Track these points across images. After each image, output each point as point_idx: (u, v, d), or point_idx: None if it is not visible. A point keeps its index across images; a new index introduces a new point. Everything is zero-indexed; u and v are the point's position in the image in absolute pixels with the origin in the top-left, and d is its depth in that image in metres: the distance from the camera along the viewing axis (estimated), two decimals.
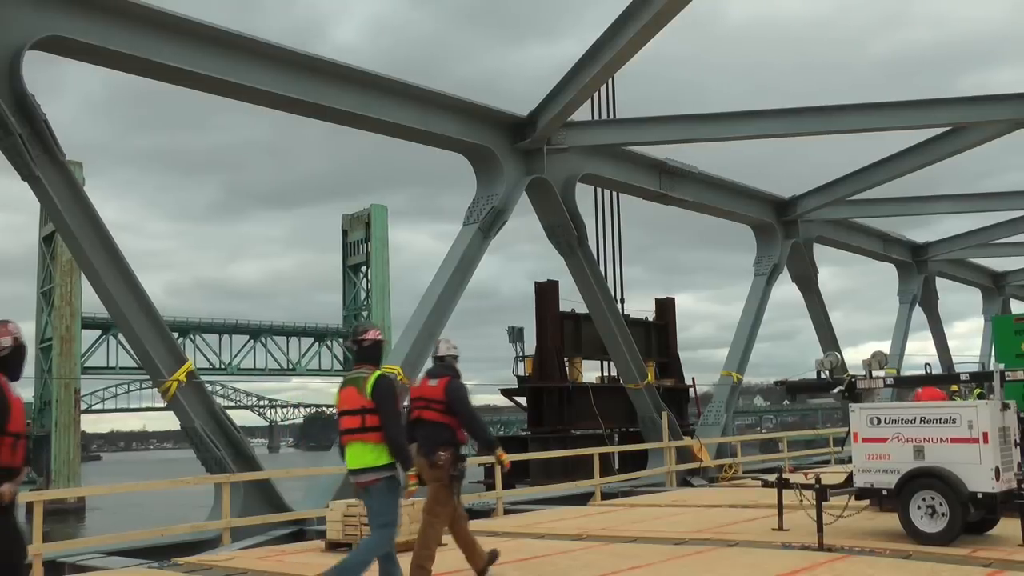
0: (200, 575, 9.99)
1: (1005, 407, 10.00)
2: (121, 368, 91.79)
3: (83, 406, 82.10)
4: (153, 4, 13.78)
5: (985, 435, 9.50)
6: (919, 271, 33.46)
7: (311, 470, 18.45)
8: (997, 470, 9.44)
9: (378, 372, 7.36)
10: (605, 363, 27.17)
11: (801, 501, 10.48)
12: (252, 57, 14.98)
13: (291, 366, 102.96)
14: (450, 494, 8.12)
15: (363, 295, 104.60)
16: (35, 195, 13.16)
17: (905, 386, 14.13)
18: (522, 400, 26.73)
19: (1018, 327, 18.79)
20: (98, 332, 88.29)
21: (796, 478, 11.14)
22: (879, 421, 10.20)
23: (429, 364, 9.01)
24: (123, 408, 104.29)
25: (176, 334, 13.50)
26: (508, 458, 8.97)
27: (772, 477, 11.81)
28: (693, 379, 30.10)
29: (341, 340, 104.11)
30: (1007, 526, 9.82)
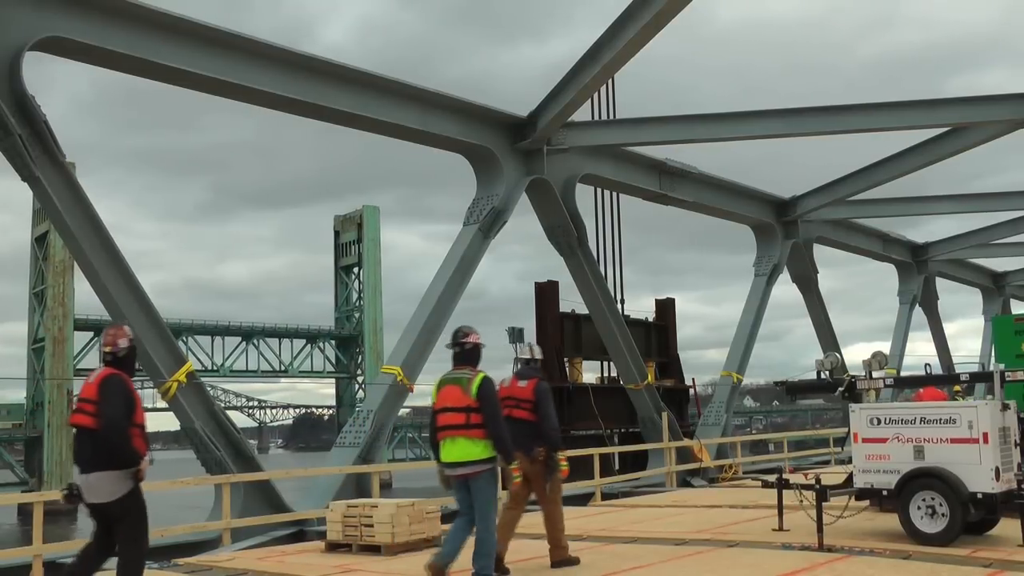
0: (200, 575, 10.01)
1: (1005, 407, 10.00)
2: None
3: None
4: (152, 4, 13.78)
5: (985, 435, 9.50)
6: (919, 271, 33.46)
7: (311, 471, 18.45)
8: (997, 470, 9.44)
9: (482, 374, 8.04)
10: (605, 363, 27.16)
11: (801, 501, 10.48)
12: (250, 57, 14.98)
13: (283, 368, 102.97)
14: (544, 482, 8.99)
15: (355, 296, 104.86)
16: (35, 196, 13.17)
17: (905, 386, 14.13)
18: None
19: (1018, 327, 18.81)
20: (90, 334, 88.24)
21: (796, 478, 11.15)
22: (879, 421, 10.20)
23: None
24: None
25: None
26: (566, 464, 9.41)
27: (772, 478, 11.82)
28: (693, 380, 30.11)
29: (333, 342, 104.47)
30: (1007, 526, 9.82)
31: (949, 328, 35.88)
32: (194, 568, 10.33)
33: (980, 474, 9.43)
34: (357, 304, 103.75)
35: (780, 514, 11.19)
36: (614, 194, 27.11)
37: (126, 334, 7.11)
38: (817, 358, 12.29)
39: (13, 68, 12.50)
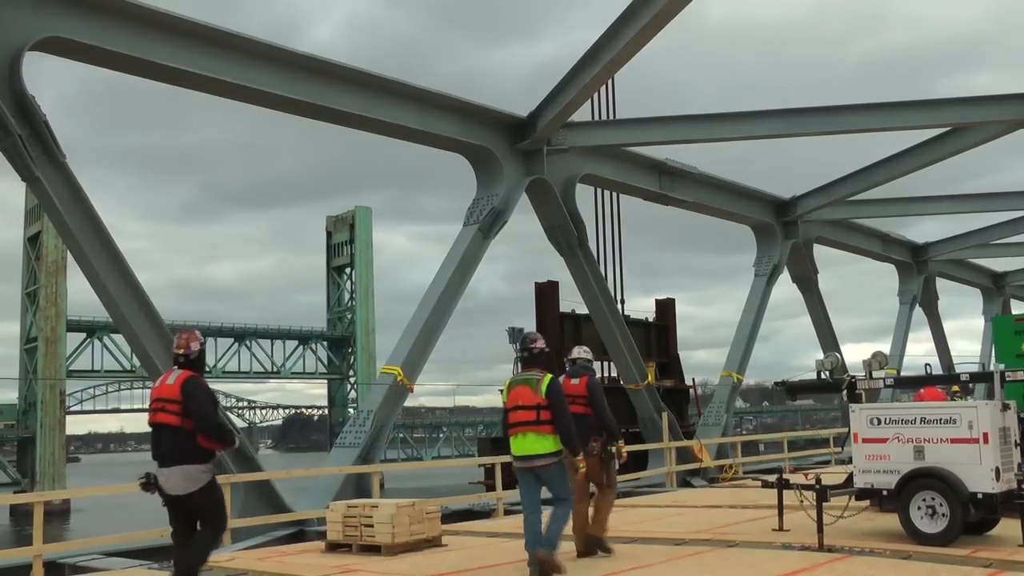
0: (200, 575, 9.99)
1: (1005, 407, 10.00)
2: (106, 371, 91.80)
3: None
4: (151, 4, 13.78)
5: (985, 435, 9.49)
6: (919, 271, 33.47)
7: (311, 471, 18.46)
8: (997, 470, 9.43)
9: (550, 375, 8.75)
10: (605, 363, 27.15)
11: (801, 502, 10.48)
12: (250, 57, 14.99)
13: (275, 369, 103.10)
14: (601, 471, 9.70)
15: (347, 296, 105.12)
16: (35, 196, 13.16)
17: (905, 386, 14.12)
18: None
19: (1018, 327, 18.84)
20: (83, 336, 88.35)
21: (796, 479, 11.14)
22: (879, 421, 10.19)
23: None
24: (101, 410, 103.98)
25: None
26: (626, 450, 10.26)
27: (772, 478, 11.81)
28: (693, 380, 30.12)
29: (325, 343, 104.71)
30: (1007, 526, 9.81)
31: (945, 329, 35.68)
32: None
33: (980, 474, 9.42)
34: (349, 305, 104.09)
35: (780, 514, 11.19)
36: (614, 194, 27.12)
37: (197, 338, 7.87)
38: (817, 358, 12.30)
39: (13, 68, 12.50)
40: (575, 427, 8.79)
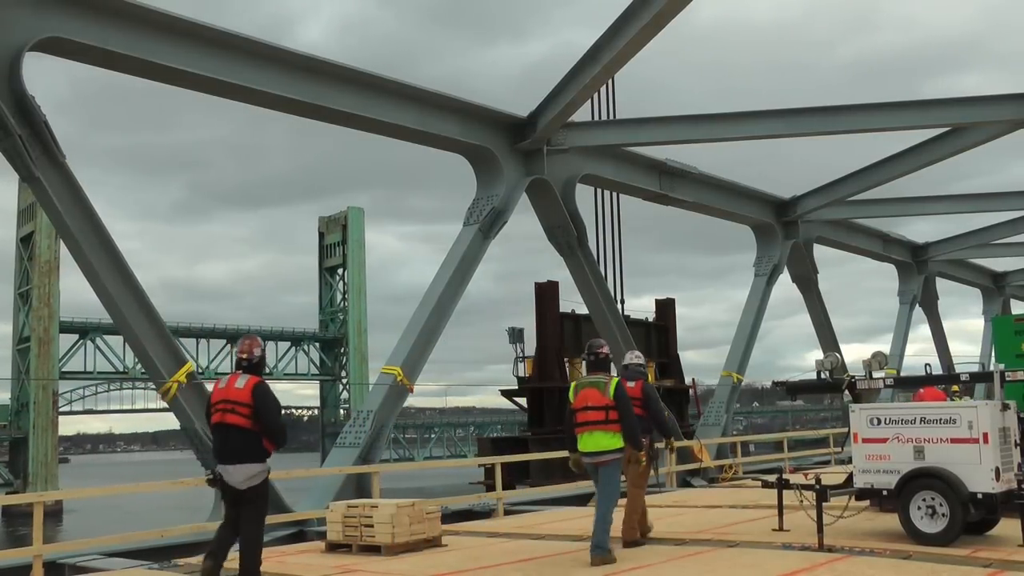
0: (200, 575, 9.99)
1: (1005, 407, 9.99)
2: (99, 373, 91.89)
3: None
4: (151, 5, 13.78)
5: (985, 435, 9.49)
6: (919, 271, 33.46)
7: (312, 471, 18.45)
8: (997, 470, 9.43)
9: (616, 378, 9.66)
10: None
11: (801, 502, 10.48)
12: (249, 57, 14.98)
13: (268, 371, 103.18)
14: (648, 469, 10.66)
15: (339, 297, 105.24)
16: (35, 196, 13.15)
17: (905, 386, 14.12)
18: (522, 401, 26.72)
19: (1018, 327, 18.82)
20: (75, 337, 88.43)
21: (796, 479, 11.14)
22: (879, 421, 10.19)
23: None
24: (90, 410, 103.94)
25: None
26: (678, 444, 11.48)
27: (772, 478, 11.81)
28: (693, 380, 30.13)
29: (318, 344, 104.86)
30: (1007, 526, 9.81)
31: (923, 331, 35.54)
32: (194, 568, 10.31)
33: (980, 474, 9.42)
34: (341, 305, 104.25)
35: (780, 514, 11.19)
36: (614, 194, 27.13)
37: (259, 343, 8.48)
38: (817, 358, 12.31)
39: (13, 68, 12.51)
40: None
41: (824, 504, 9.97)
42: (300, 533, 14.34)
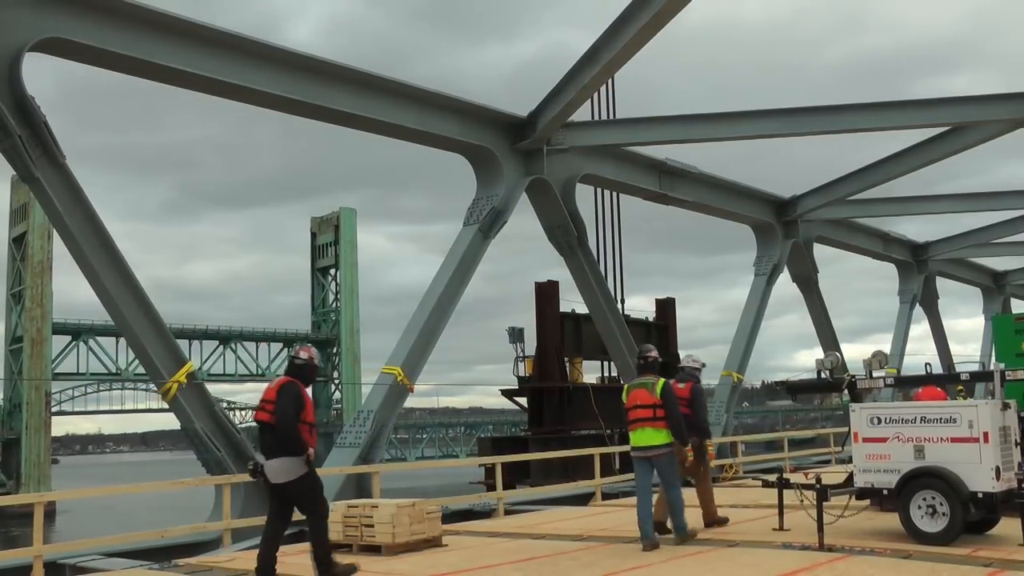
0: (200, 575, 10.00)
1: (1005, 407, 9.99)
2: (92, 374, 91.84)
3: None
4: (150, 5, 13.78)
5: (985, 435, 9.48)
6: (919, 271, 33.46)
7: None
8: (998, 469, 9.42)
9: (663, 380, 10.48)
10: (605, 363, 27.15)
11: (802, 501, 10.47)
12: (249, 57, 14.99)
13: (260, 372, 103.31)
14: (698, 463, 11.80)
15: (332, 298, 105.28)
16: (35, 196, 13.15)
17: (905, 386, 14.11)
18: (523, 400, 26.72)
19: (1018, 326, 18.80)
20: (68, 338, 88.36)
21: (797, 478, 11.14)
22: (879, 421, 10.19)
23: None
24: (85, 411, 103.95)
25: None
26: (713, 449, 12.28)
27: (773, 477, 11.81)
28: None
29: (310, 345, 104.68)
30: (1007, 526, 9.80)
31: (915, 331, 35.44)
32: (194, 568, 10.33)
33: (980, 473, 9.41)
34: (333, 306, 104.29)
35: (780, 514, 11.19)
36: (614, 194, 27.12)
37: (307, 350, 9.03)
38: (817, 357, 12.32)
39: (13, 69, 12.51)
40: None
41: (824, 503, 9.96)
42: (300, 533, 14.30)
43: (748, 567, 8.91)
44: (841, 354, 15.02)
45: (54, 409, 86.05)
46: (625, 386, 10.95)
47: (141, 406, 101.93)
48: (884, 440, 10.08)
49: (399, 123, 17.15)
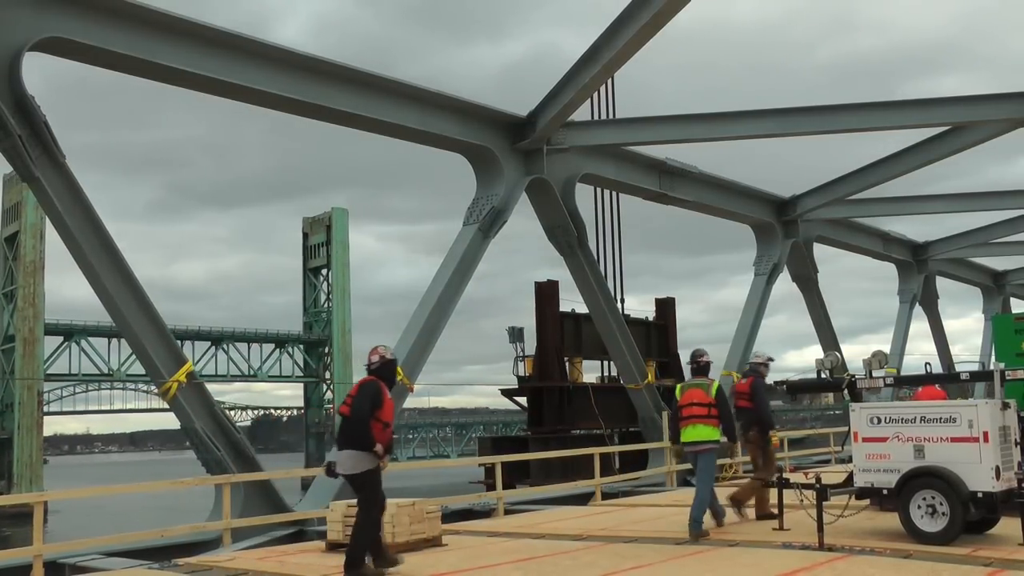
0: (200, 575, 10.01)
1: (1005, 406, 9.99)
2: (84, 375, 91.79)
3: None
4: (150, 4, 13.78)
5: (985, 434, 9.49)
6: (919, 270, 33.47)
7: (312, 470, 18.43)
8: (997, 469, 9.43)
9: (716, 381, 11.39)
10: (605, 363, 27.16)
11: (802, 501, 10.48)
12: (249, 57, 14.98)
13: (252, 372, 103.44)
14: (759, 455, 12.29)
15: (323, 298, 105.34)
16: (35, 196, 13.14)
17: (905, 386, 14.11)
18: (522, 400, 26.73)
19: (1018, 326, 18.82)
20: (60, 339, 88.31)
21: (797, 478, 11.15)
22: (879, 420, 10.19)
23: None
24: (68, 411, 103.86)
25: None
26: (777, 439, 12.99)
27: (773, 477, 11.82)
28: None
29: (302, 346, 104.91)
30: (1007, 525, 9.81)
31: (914, 328, 35.30)
32: (194, 568, 10.33)
33: (980, 473, 9.42)
34: (325, 306, 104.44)
35: (780, 513, 11.20)
36: (614, 194, 27.13)
37: (377, 352, 9.31)
38: (817, 357, 12.35)
39: (13, 69, 12.50)
40: (740, 418, 11.96)
41: (824, 503, 9.97)
42: (300, 533, 14.33)
43: (748, 567, 8.92)
44: (841, 354, 15.03)
45: (46, 409, 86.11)
46: (678, 386, 11.73)
47: (130, 405, 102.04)
48: (884, 440, 10.09)
49: (400, 123, 17.15)
